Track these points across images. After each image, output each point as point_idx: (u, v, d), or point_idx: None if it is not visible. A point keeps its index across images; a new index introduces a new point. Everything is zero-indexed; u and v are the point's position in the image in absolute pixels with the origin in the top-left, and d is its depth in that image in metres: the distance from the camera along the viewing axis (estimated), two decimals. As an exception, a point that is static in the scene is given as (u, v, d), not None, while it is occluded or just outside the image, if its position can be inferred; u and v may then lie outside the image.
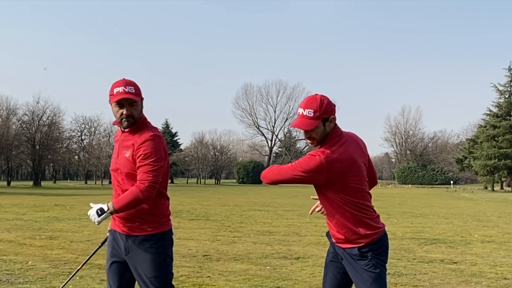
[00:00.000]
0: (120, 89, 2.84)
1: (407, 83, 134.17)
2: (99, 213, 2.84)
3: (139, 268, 2.86)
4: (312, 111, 2.73)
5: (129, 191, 2.80)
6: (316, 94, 2.81)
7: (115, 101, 2.86)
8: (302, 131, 2.83)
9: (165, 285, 2.88)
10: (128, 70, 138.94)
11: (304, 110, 2.76)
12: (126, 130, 2.92)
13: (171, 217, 3.05)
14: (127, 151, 2.87)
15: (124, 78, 2.93)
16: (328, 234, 3.02)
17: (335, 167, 2.67)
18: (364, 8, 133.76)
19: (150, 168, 2.77)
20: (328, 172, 2.66)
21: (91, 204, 2.94)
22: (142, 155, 2.79)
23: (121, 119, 2.88)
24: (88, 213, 2.91)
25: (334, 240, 2.90)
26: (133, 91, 2.86)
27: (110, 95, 2.92)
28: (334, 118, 2.80)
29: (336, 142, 2.75)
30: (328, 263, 2.99)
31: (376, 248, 2.79)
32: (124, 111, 2.86)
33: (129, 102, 2.86)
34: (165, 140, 2.96)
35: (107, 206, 2.85)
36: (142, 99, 2.96)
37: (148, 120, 2.99)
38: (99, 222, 2.84)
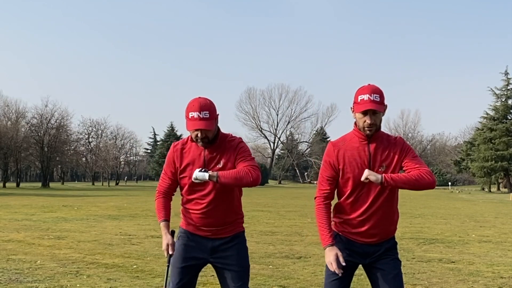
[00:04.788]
0: (195, 114, 2.92)
1: (406, 87, 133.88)
2: (201, 170, 2.95)
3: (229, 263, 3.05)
4: (379, 96, 2.76)
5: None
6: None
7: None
8: (369, 117, 2.75)
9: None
10: (134, 74, 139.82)
11: (371, 95, 2.74)
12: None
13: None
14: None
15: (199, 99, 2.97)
16: (337, 239, 2.95)
17: None
18: (364, 13, 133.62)
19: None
20: None
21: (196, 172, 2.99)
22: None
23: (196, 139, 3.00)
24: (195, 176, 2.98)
25: (375, 239, 2.87)
26: (208, 115, 2.91)
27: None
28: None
29: None
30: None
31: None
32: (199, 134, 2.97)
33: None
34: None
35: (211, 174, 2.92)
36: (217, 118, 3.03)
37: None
38: (196, 178, 2.95)
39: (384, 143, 2.85)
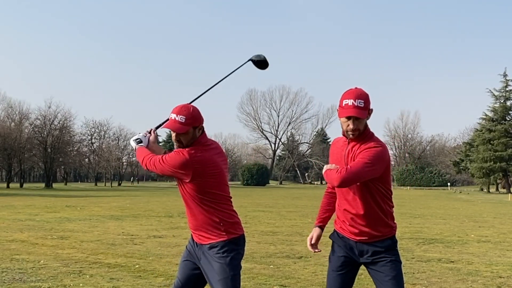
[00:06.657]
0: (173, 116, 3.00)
1: (406, 89, 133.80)
2: (136, 140, 3.23)
3: (208, 274, 3.01)
4: (363, 101, 2.79)
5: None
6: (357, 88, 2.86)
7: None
8: (352, 122, 2.80)
9: None
10: (136, 75, 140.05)
11: (355, 101, 2.77)
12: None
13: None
14: None
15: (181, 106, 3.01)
16: (335, 237, 3.06)
17: (388, 155, 2.89)
18: (364, 15, 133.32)
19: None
20: (388, 160, 2.87)
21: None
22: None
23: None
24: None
25: (365, 237, 2.90)
26: (183, 120, 2.94)
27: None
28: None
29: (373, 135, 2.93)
30: (340, 265, 2.99)
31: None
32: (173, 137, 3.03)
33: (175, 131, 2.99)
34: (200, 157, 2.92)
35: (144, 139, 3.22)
36: (196, 127, 2.99)
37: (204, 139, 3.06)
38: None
39: (359, 146, 2.86)
